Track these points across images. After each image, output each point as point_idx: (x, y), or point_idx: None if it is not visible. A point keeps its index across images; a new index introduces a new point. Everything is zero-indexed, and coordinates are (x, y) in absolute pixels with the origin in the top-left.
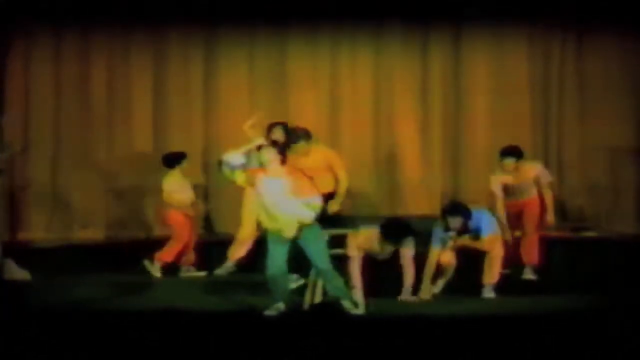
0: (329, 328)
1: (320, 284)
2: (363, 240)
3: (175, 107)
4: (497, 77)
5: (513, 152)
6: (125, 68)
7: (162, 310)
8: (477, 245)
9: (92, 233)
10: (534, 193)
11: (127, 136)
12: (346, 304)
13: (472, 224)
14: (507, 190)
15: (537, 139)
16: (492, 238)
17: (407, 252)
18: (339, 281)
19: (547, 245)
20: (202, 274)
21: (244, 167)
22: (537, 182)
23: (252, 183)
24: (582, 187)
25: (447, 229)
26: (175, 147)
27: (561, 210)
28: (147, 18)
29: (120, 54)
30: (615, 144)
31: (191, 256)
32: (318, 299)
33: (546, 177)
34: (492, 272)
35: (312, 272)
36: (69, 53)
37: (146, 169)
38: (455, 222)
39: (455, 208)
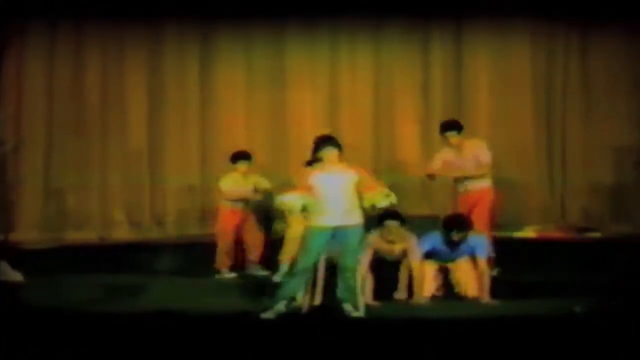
0: (329, 331)
1: (320, 285)
2: (370, 243)
3: (171, 105)
4: (499, 75)
5: (454, 125)
6: (120, 65)
7: (157, 312)
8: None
9: (86, 234)
10: (486, 183)
11: (121, 135)
12: (347, 306)
13: (465, 246)
14: (451, 167)
15: (540, 137)
16: (486, 261)
17: (416, 252)
18: (354, 284)
19: (549, 247)
20: (265, 273)
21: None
22: (477, 161)
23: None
24: (587, 186)
25: (450, 242)
26: (171, 146)
27: (564, 210)
28: (141, 14)
29: (114, 51)
30: (620, 143)
31: (255, 254)
32: (317, 301)
33: (485, 156)
34: (486, 289)
35: (312, 275)
36: (62, 50)
37: (141, 168)
38: (460, 236)
39: (463, 223)
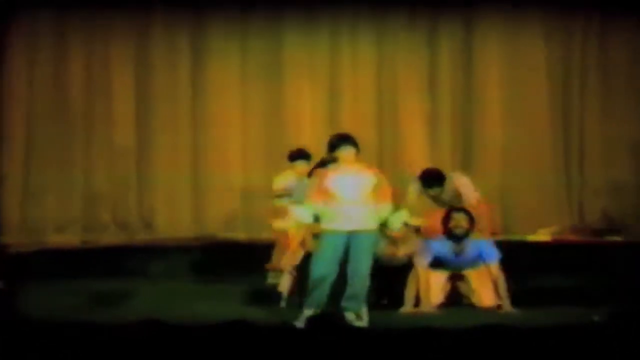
0: (328, 341)
1: None
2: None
3: (160, 100)
4: (512, 68)
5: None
6: (105, 58)
7: (145, 321)
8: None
9: (69, 237)
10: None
11: (107, 131)
12: (349, 315)
13: (471, 251)
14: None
15: (556, 134)
16: (498, 265)
17: (422, 258)
18: (364, 293)
19: (565, 251)
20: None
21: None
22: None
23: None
24: (606, 186)
25: (457, 252)
26: (160, 143)
27: (582, 212)
28: (128, 2)
29: (99, 43)
30: None
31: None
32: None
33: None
34: (505, 296)
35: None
36: (44, 43)
37: (128, 166)
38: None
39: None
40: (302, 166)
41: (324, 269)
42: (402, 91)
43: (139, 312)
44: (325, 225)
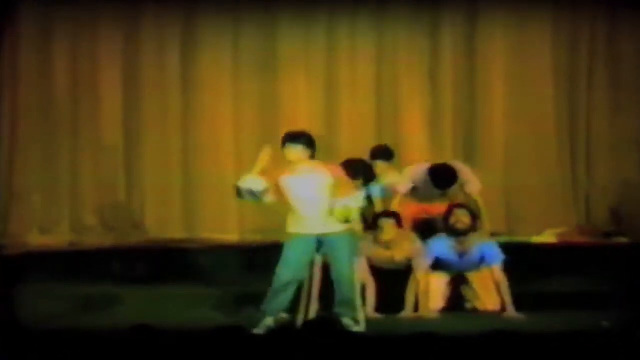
0: (325, 348)
1: (315, 296)
2: (363, 250)
3: (150, 95)
4: (517, 62)
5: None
6: (92, 53)
7: (134, 327)
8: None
9: (54, 239)
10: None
11: (94, 128)
12: (346, 320)
13: (474, 253)
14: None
15: (562, 132)
16: (501, 268)
17: (421, 261)
18: (354, 297)
19: (572, 253)
20: None
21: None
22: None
23: (279, 194)
24: (614, 186)
25: (460, 253)
26: (150, 140)
27: (589, 212)
28: None
29: (85, 35)
30: None
31: None
32: (313, 314)
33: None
34: (509, 301)
35: (307, 285)
36: (28, 37)
37: (116, 164)
38: (472, 241)
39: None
40: (383, 165)
41: (288, 275)
42: (403, 87)
43: (128, 318)
44: (289, 229)
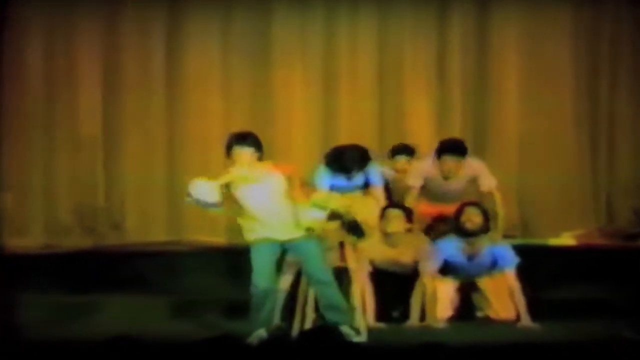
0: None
1: (311, 304)
2: (367, 249)
3: (131, 85)
4: (533, 52)
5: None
6: (69, 44)
7: (113, 338)
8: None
9: (28, 241)
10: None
11: (71, 121)
12: (345, 329)
13: (486, 256)
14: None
15: (582, 126)
16: (515, 272)
17: (429, 264)
18: (340, 301)
19: (592, 256)
20: None
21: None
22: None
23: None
24: (638, 185)
25: (470, 255)
26: (131, 137)
27: (611, 213)
28: None
29: (62, 20)
30: None
31: None
32: (309, 323)
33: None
34: (524, 309)
35: (302, 290)
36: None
37: (95, 161)
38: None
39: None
40: (402, 161)
41: (263, 283)
42: (407, 78)
43: (107, 328)
44: (248, 236)
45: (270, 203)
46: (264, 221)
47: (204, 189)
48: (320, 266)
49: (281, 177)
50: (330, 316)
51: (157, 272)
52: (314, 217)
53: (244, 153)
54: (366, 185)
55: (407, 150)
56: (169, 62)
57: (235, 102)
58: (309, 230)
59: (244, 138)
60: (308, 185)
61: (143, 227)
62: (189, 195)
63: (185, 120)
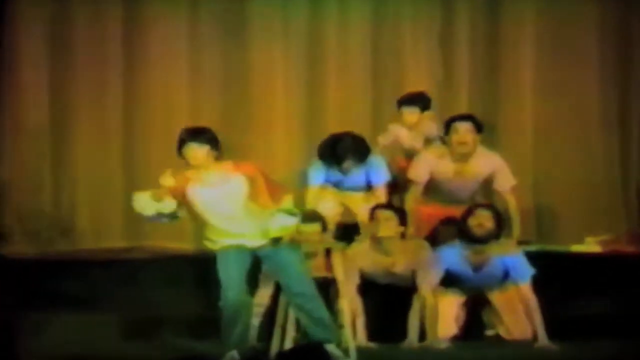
0: None
1: (292, 321)
2: (355, 257)
3: (83, 72)
4: (551, 25)
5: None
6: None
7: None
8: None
9: None
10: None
11: (12, 107)
12: (331, 349)
13: (495, 266)
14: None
15: (608, 113)
16: (530, 285)
17: (430, 275)
18: (325, 315)
19: (621, 265)
20: None
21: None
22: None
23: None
24: None
25: (476, 265)
26: (83, 127)
27: None
28: None
29: (10, 6)
30: None
31: None
32: (289, 342)
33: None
34: (540, 326)
35: (281, 306)
36: None
37: (40, 153)
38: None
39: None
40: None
41: (234, 297)
42: (406, 58)
43: (56, 347)
44: (211, 245)
45: (230, 209)
46: (225, 230)
47: (146, 203)
48: (299, 276)
49: (242, 178)
50: (314, 332)
51: (113, 284)
52: (282, 223)
53: (198, 151)
54: (369, 186)
55: (418, 99)
56: (126, 38)
57: (204, 90)
58: (275, 240)
59: (198, 134)
60: (281, 186)
61: (96, 231)
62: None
63: (145, 110)
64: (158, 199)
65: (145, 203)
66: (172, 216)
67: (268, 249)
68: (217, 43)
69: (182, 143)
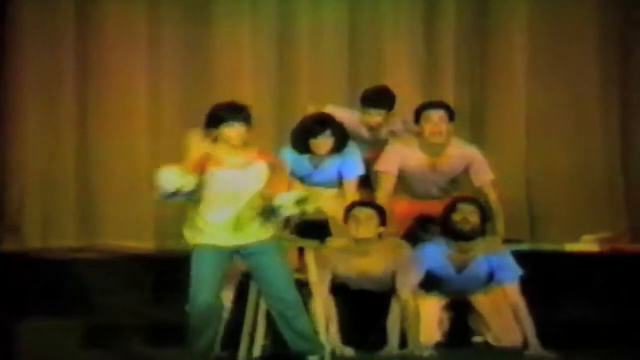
0: None
1: (262, 328)
2: (330, 258)
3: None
4: (547, 6)
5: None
6: None
7: None
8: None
9: None
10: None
11: None
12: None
13: (480, 266)
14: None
15: (608, 101)
16: (518, 287)
17: (410, 276)
18: (307, 325)
19: (622, 266)
20: None
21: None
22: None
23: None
24: None
25: (460, 266)
26: (32, 112)
27: None
28: None
29: None
30: None
31: None
32: (258, 351)
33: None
34: (531, 331)
35: (250, 311)
36: None
37: None
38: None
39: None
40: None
41: (207, 300)
42: (386, 37)
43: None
44: (192, 240)
45: (247, 194)
46: (215, 219)
47: (173, 177)
48: (283, 280)
49: (265, 165)
50: (296, 344)
51: (64, 287)
52: (290, 196)
53: (240, 130)
54: (341, 182)
55: (387, 100)
56: (78, 14)
57: (165, 65)
58: (301, 201)
59: (240, 111)
60: (292, 180)
61: (47, 229)
62: (160, 190)
63: (101, 88)
64: (184, 174)
65: (172, 177)
66: (191, 194)
67: (252, 247)
68: (179, 19)
69: (220, 121)
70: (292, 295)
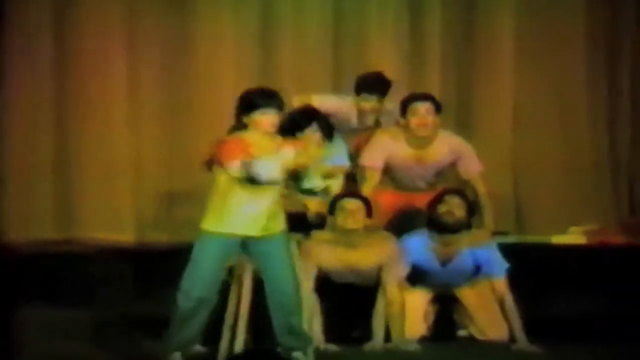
0: None
1: (243, 321)
2: (314, 251)
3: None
4: (532, 10)
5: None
6: None
7: None
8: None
9: None
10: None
11: None
12: (298, 355)
13: (465, 259)
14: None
15: (596, 92)
16: (505, 280)
17: (396, 268)
18: (300, 322)
19: (609, 259)
20: None
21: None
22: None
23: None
24: None
25: (444, 258)
26: (9, 102)
27: (634, 203)
28: None
29: None
30: None
31: None
32: (240, 346)
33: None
34: (518, 325)
35: (231, 304)
36: None
37: None
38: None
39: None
40: None
41: (199, 290)
42: (370, 25)
43: None
44: (207, 226)
45: (276, 179)
46: (246, 206)
47: (272, 164)
48: (287, 273)
49: (292, 150)
50: (291, 342)
51: (42, 280)
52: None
53: (274, 117)
54: None
55: (382, 85)
56: (58, 6)
57: (143, 61)
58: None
59: (274, 97)
60: None
61: (24, 221)
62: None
63: (79, 81)
64: (277, 152)
65: (272, 164)
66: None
67: (262, 239)
68: (158, 10)
69: (253, 107)
70: (293, 289)
